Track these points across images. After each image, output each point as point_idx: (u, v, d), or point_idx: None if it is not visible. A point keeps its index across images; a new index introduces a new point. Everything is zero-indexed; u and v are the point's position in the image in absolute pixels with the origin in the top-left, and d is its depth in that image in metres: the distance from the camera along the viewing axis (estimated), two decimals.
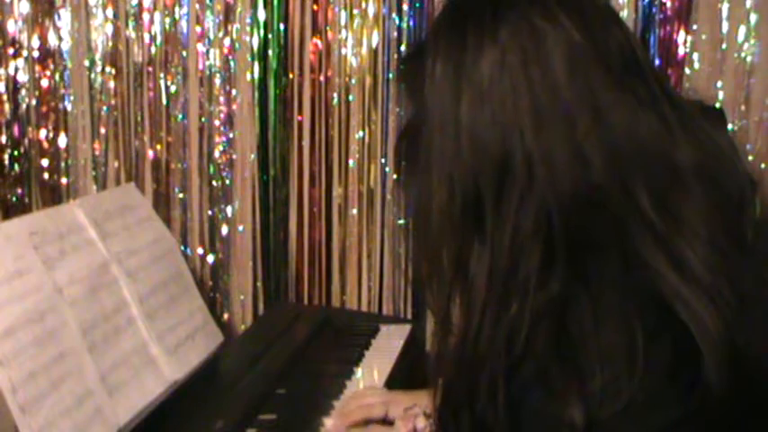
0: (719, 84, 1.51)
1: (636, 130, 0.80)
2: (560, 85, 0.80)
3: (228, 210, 1.79)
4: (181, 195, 1.80)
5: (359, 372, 1.44)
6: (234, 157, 1.77)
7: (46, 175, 1.84)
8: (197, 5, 1.72)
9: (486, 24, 0.82)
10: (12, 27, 1.79)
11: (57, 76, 1.80)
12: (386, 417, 1.22)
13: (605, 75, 0.81)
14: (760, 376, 0.78)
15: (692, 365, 0.74)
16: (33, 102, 1.81)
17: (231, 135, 1.76)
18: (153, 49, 1.75)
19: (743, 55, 1.49)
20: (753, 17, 1.48)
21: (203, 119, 1.76)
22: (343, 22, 1.66)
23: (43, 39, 1.79)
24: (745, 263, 0.80)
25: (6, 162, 1.84)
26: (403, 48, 1.64)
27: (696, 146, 0.82)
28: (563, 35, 0.80)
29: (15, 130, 1.83)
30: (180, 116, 1.77)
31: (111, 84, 1.79)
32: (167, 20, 1.73)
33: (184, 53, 1.74)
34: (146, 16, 1.74)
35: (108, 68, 1.78)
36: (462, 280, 0.84)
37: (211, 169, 1.78)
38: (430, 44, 0.88)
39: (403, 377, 1.42)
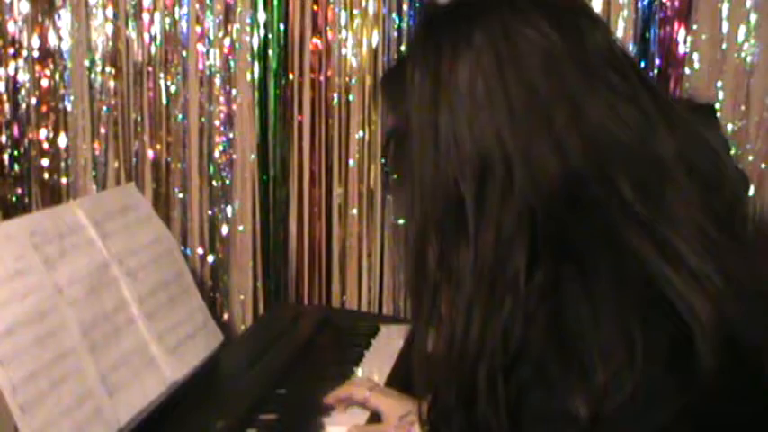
0: (719, 84, 1.51)
1: (613, 123, 0.80)
2: (535, 84, 0.80)
3: (228, 210, 1.79)
4: (181, 195, 1.80)
5: (359, 372, 1.44)
6: (234, 157, 1.77)
7: (46, 175, 1.84)
8: (197, 5, 1.72)
9: (461, 30, 0.84)
10: (12, 27, 1.79)
11: (57, 76, 1.80)
12: (365, 400, 1.27)
13: (581, 71, 0.81)
14: (758, 368, 0.78)
15: (688, 354, 0.74)
16: (33, 102, 1.81)
17: (231, 135, 1.76)
18: (153, 49, 1.75)
19: (743, 55, 1.50)
20: (753, 17, 1.48)
21: (203, 119, 1.76)
22: (343, 22, 1.66)
23: (43, 39, 1.79)
24: (737, 253, 0.80)
25: (6, 162, 1.84)
26: (403, 48, 1.64)
27: (679, 138, 0.82)
28: (537, 34, 0.81)
29: (15, 130, 1.83)
30: (180, 116, 1.77)
31: (111, 84, 1.79)
32: (167, 20, 1.73)
33: (184, 53, 1.74)
34: (146, 16, 1.74)
35: (108, 68, 1.78)
36: (447, 282, 0.84)
37: (211, 169, 1.78)
38: (409, 54, 0.89)
39: (403, 377, 1.42)
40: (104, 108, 1.80)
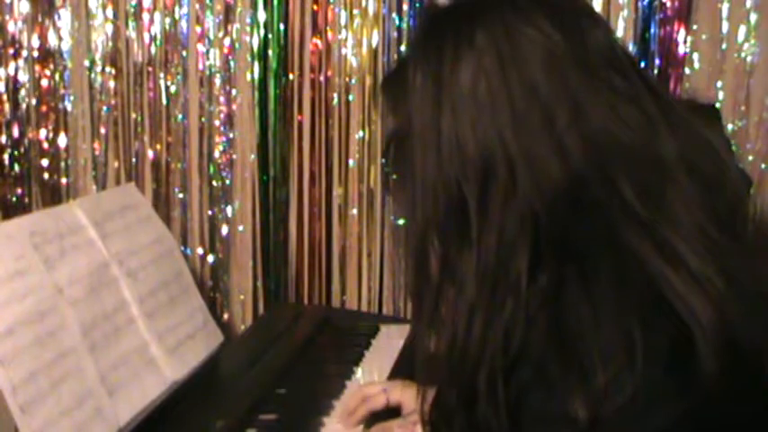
0: (719, 84, 1.51)
1: (614, 123, 0.80)
2: (537, 84, 0.80)
3: (228, 210, 1.79)
4: (181, 195, 1.80)
5: (359, 372, 1.44)
6: (234, 157, 1.77)
7: (46, 175, 1.84)
8: (197, 5, 1.72)
9: (463, 31, 0.83)
10: (12, 27, 1.79)
11: (57, 76, 1.80)
12: (387, 404, 1.26)
13: (582, 71, 0.81)
14: (758, 369, 0.78)
15: (689, 355, 0.74)
16: (33, 102, 1.81)
17: (231, 135, 1.76)
18: (153, 49, 1.75)
19: (743, 55, 1.50)
20: (753, 17, 1.48)
21: (203, 119, 1.76)
22: (343, 22, 1.66)
23: (43, 39, 1.79)
24: (738, 254, 0.80)
25: (6, 162, 1.84)
26: (403, 48, 1.64)
27: (681, 138, 0.82)
28: (538, 35, 0.81)
29: (15, 130, 1.83)
30: (180, 116, 1.77)
31: (111, 84, 1.79)
32: (167, 20, 1.73)
33: (184, 53, 1.74)
34: (146, 16, 1.74)
35: (108, 68, 1.78)
36: (449, 284, 0.84)
37: (211, 169, 1.78)
38: (410, 55, 0.89)
39: (403, 377, 1.41)
40: (104, 108, 1.80)
